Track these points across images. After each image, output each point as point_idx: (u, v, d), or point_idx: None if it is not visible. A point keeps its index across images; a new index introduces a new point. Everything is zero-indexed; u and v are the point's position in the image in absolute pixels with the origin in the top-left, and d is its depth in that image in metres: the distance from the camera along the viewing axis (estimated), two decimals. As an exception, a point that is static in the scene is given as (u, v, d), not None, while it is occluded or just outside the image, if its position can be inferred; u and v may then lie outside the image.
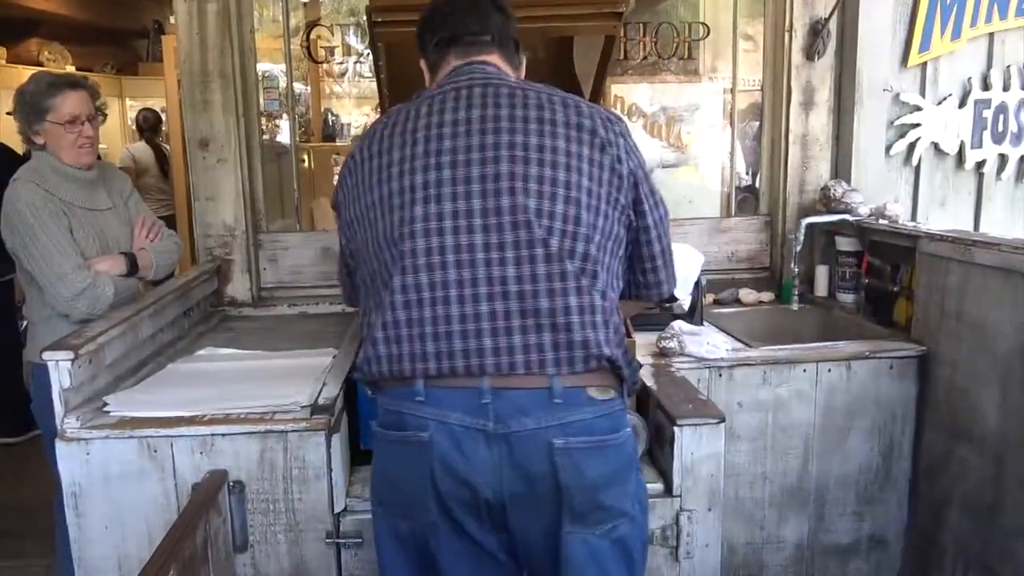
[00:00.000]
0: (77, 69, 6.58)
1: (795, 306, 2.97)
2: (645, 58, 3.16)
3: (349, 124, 6.05)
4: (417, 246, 1.43)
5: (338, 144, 5.54)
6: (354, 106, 6.88)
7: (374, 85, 5.85)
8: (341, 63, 5.45)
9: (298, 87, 5.16)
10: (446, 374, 1.42)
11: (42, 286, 2.25)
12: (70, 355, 1.79)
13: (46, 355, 1.79)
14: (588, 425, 1.44)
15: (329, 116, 6.18)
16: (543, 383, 1.41)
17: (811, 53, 3.03)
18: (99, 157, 2.52)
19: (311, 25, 3.30)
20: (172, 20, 6.80)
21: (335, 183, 1.61)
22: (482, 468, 1.41)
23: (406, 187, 1.45)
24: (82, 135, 2.33)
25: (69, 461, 1.78)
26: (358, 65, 5.62)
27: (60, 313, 2.26)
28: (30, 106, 2.32)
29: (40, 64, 6.36)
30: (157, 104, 6.45)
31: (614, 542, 1.48)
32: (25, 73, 6.23)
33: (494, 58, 1.60)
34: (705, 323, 2.71)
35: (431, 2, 1.64)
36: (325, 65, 5.35)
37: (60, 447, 1.78)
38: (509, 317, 1.41)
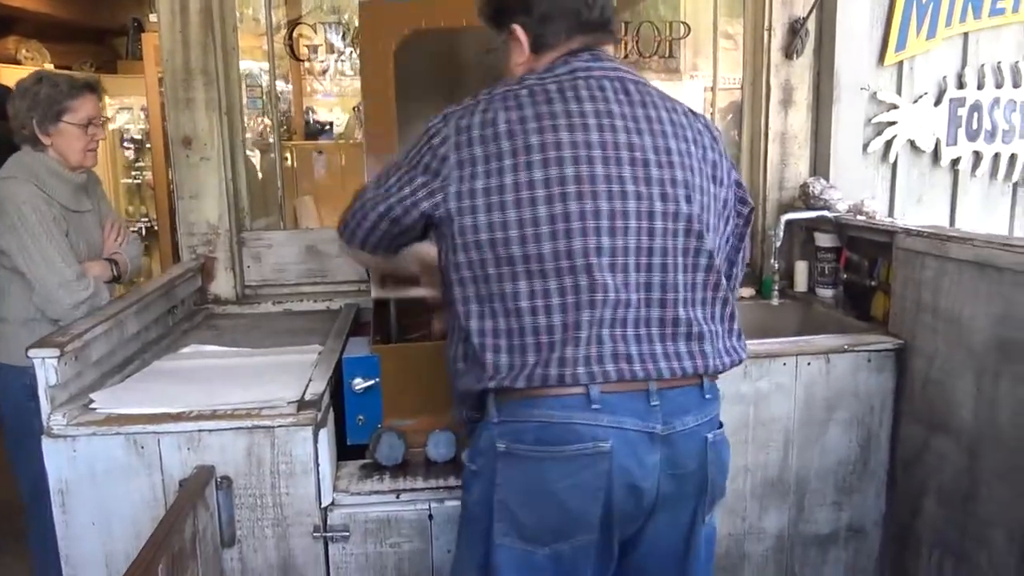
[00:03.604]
0: (56, 67, 6.51)
1: (775, 301, 3.01)
2: (627, 56, 3.18)
3: (331, 123, 6.04)
4: (602, 243, 1.36)
5: (320, 142, 5.53)
6: (336, 104, 6.86)
7: (355, 83, 5.85)
8: (323, 62, 5.44)
9: (279, 85, 5.15)
10: (626, 378, 1.36)
11: (39, 289, 2.25)
12: (56, 352, 1.79)
13: (32, 352, 1.78)
14: (718, 418, 1.49)
15: (310, 114, 6.16)
16: (696, 380, 1.43)
17: (790, 52, 3.07)
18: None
19: (294, 23, 3.30)
20: (152, 18, 6.76)
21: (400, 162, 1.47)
22: (649, 472, 1.38)
23: (584, 176, 1.36)
24: (94, 138, 2.38)
25: (56, 458, 1.78)
26: (340, 63, 5.62)
27: (49, 317, 2.27)
28: (46, 105, 2.34)
29: (18, 62, 6.29)
30: (137, 103, 6.40)
31: (712, 522, 1.55)
32: (3, 71, 6.19)
33: (610, 48, 1.56)
34: (687, 318, 2.74)
35: None
36: (307, 63, 5.35)
37: (47, 444, 1.77)
38: (677, 324, 1.41)
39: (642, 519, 1.42)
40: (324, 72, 6.28)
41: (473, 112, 1.43)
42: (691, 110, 1.54)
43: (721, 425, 1.49)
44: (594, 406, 1.34)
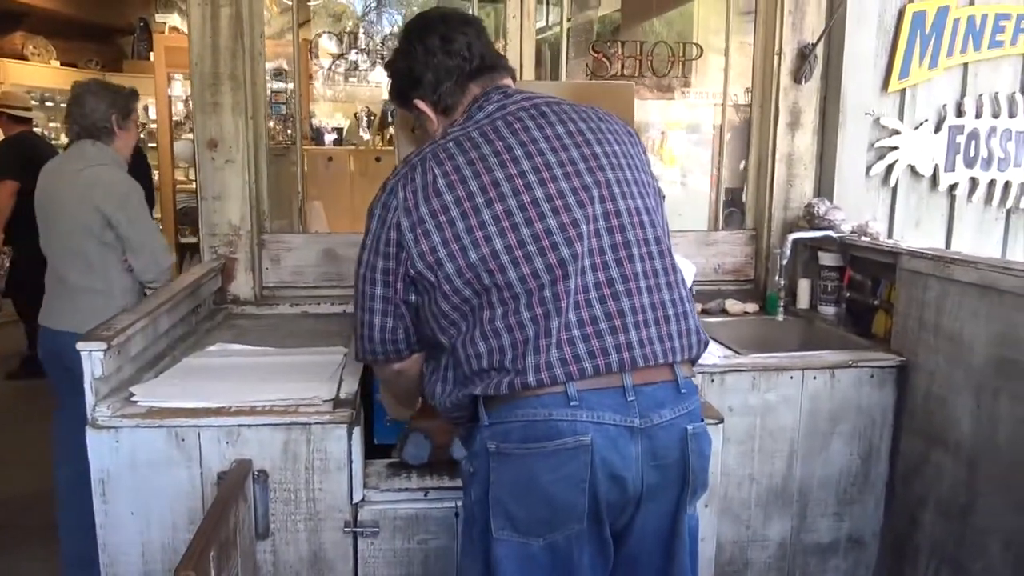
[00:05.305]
0: (62, 64, 6.56)
1: (780, 317, 3.10)
2: (641, 75, 3.27)
3: (341, 128, 6.10)
4: (562, 255, 1.49)
5: (329, 147, 5.59)
6: (333, 109, 6.93)
7: (348, 88, 5.93)
8: (326, 67, 5.51)
9: (283, 88, 5.20)
10: (601, 372, 1.47)
11: (146, 254, 2.81)
12: (103, 346, 1.85)
13: (80, 345, 1.84)
14: (698, 411, 1.58)
15: (311, 119, 6.22)
16: (670, 375, 1.53)
17: (798, 76, 3.17)
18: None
19: (305, 28, 3.37)
20: (158, 18, 6.81)
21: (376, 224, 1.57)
22: (631, 464, 1.48)
23: (527, 202, 1.50)
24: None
25: (99, 448, 1.83)
26: (332, 69, 5.69)
27: (145, 280, 2.85)
28: (123, 103, 2.91)
29: (25, 58, 6.32)
30: (140, 103, 6.43)
31: (695, 515, 1.63)
32: (10, 66, 6.22)
33: (510, 80, 1.70)
34: (695, 331, 2.82)
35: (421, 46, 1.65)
36: (312, 68, 5.41)
37: (90, 434, 1.83)
38: (645, 311, 1.52)
39: (631, 509, 1.51)
40: (330, 75, 6.35)
41: (412, 176, 1.54)
42: (605, 113, 1.67)
43: (702, 419, 1.59)
44: (572, 403, 1.45)
